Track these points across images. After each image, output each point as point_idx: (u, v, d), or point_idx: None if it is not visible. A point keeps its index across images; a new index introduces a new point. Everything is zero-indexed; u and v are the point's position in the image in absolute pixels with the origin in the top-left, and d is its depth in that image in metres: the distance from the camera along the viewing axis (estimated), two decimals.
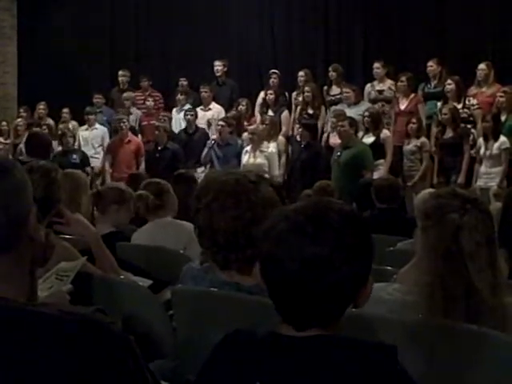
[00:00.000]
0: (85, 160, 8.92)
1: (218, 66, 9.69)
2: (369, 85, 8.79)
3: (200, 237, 2.16)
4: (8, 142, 9.96)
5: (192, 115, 9.12)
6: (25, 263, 1.31)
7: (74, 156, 8.83)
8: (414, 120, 7.82)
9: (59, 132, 9.78)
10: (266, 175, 7.75)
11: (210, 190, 2.11)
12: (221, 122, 8.63)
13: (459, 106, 7.79)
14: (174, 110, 9.82)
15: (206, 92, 9.46)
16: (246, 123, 8.99)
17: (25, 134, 8.37)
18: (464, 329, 1.85)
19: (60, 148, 9.28)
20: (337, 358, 1.31)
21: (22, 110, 10.58)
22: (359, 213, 1.43)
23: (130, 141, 9.01)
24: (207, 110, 9.42)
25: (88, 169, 8.73)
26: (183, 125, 9.54)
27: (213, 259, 2.15)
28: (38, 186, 2.76)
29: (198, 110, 9.36)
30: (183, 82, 9.93)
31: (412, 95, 8.30)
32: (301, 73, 9.08)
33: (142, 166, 8.90)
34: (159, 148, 8.93)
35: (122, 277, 2.85)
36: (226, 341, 1.44)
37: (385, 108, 8.42)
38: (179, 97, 9.72)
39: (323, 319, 1.36)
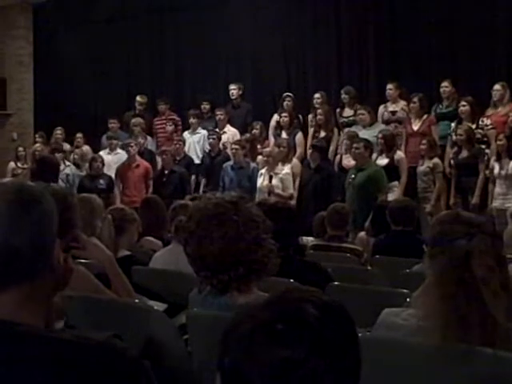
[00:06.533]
0: (111, 185, 8.93)
1: (233, 89, 9.77)
2: (382, 106, 8.80)
3: (192, 265, 2.22)
4: (25, 166, 10.06)
5: (214, 138, 9.15)
6: (45, 291, 1.32)
7: (101, 181, 8.85)
8: (424, 141, 7.79)
9: (75, 156, 9.87)
10: (281, 196, 7.74)
11: (193, 218, 2.20)
12: (234, 146, 8.64)
13: (473, 127, 7.76)
14: (186, 132, 9.87)
15: (221, 115, 9.52)
16: (259, 146, 9.02)
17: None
18: (480, 353, 1.83)
19: (84, 172, 9.37)
20: None
21: (37, 136, 10.69)
22: (340, 304, 1.15)
23: (138, 165, 9.04)
24: (222, 133, 9.44)
25: (114, 194, 8.78)
26: (198, 148, 9.58)
27: (210, 285, 2.18)
28: None
29: None
30: (205, 105, 9.96)
31: (425, 116, 8.28)
32: (316, 95, 9.13)
33: (151, 189, 8.92)
34: (166, 172, 8.98)
35: (137, 301, 2.86)
36: None
37: (398, 129, 8.41)
38: (192, 120, 9.76)
39: None
